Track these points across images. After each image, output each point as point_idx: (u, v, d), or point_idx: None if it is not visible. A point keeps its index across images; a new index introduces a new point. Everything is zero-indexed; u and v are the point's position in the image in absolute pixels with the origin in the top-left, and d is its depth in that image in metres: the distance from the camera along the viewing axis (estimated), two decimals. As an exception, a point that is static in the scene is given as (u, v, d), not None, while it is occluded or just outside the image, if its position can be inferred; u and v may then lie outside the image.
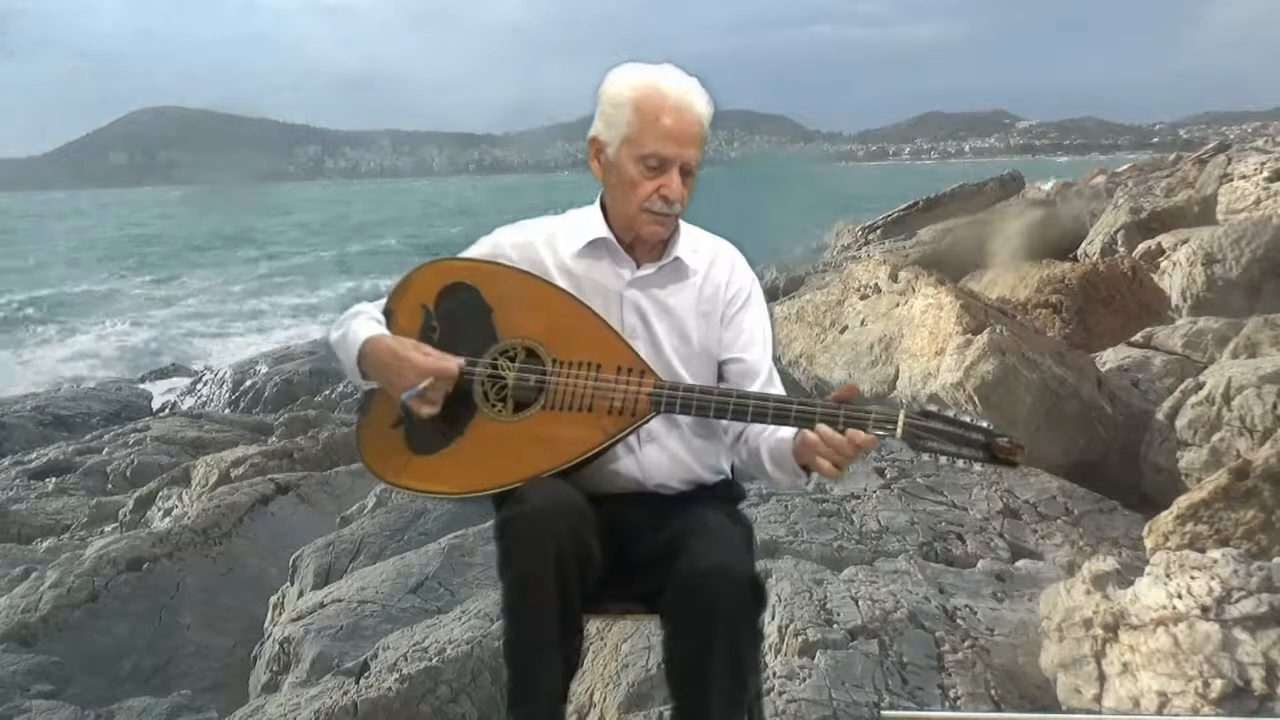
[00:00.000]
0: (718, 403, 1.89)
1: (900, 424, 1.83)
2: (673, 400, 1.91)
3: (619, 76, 2.00)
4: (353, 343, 2.00)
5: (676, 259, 2.05)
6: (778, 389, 2.04)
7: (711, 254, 2.10)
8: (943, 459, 1.84)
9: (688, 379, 2.01)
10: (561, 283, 2.03)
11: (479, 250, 2.10)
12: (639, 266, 2.04)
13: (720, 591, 1.78)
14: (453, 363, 1.95)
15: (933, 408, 1.86)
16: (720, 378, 2.08)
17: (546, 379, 1.95)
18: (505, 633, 1.89)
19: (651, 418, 1.94)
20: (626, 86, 1.98)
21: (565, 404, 1.94)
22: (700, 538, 1.87)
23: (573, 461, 1.93)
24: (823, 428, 1.82)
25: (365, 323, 2.03)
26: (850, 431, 1.81)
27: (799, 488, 2.03)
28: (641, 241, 2.04)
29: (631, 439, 1.98)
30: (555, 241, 2.07)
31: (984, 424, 1.85)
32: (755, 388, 2.00)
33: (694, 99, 1.98)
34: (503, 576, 1.86)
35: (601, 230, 2.04)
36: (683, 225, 2.07)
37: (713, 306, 2.06)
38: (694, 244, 2.08)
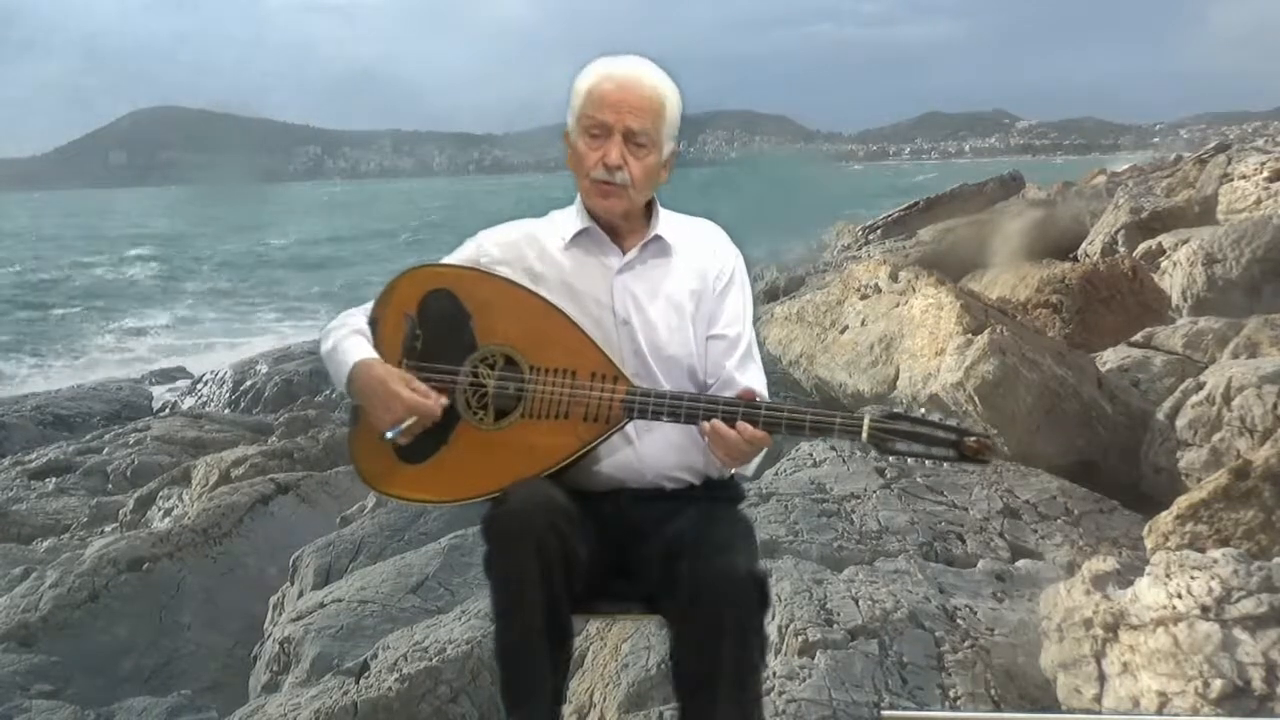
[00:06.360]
0: (688, 408, 1.91)
1: (865, 428, 1.84)
2: (645, 406, 1.92)
3: (582, 70, 2.05)
4: (343, 362, 2.01)
5: (657, 237, 2.07)
6: (756, 361, 2.08)
7: (695, 233, 2.13)
8: (911, 460, 1.84)
9: (685, 358, 2.03)
10: (548, 276, 2.04)
11: (463, 253, 2.11)
12: (625, 253, 2.06)
13: (727, 593, 1.79)
14: (436, 403, 1.96)
15: (898, 409, 1.86)
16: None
17: (525, 387, 1.96)
18: (496, 634, 1.91)
19: (625, 424, 1.96)
20: (583, 75, 2.04)
21: (542, 412, 1.96)
22: (706, 539, 1.88)
23: (550, 469, 1.95)
24: (716, 422, 1.87)
25: (355, 342, 2.03)
26: (740, 425, 1.86)
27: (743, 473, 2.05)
28: (614, 226, 2.06)
29: (630, 429, 1.99)
30: (539, 238, 2.09)
31: (951, 423, 1.86)
32: (734, 360, 2.05)
33: (641, 73, 2.02)
34: (489, 576, 1.89)
35: (586, 221, 2.06)
36: (662, 210, 2.10)
37: (702, 284, 2.08)
38: (675, 224, 2.11)
